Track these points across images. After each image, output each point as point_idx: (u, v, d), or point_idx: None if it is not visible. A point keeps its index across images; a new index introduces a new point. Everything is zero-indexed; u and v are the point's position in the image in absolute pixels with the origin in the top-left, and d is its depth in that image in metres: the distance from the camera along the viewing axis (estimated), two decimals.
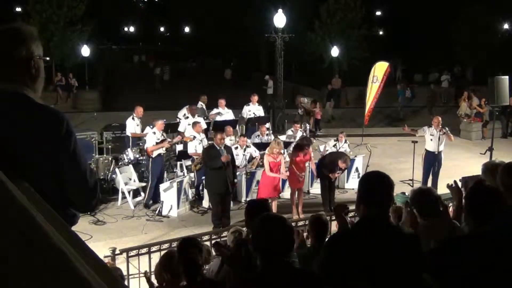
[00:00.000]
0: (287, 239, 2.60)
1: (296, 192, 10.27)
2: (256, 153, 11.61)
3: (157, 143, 10.50)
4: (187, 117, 12.74)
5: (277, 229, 2.58)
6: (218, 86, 25.79)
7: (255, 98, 14.89)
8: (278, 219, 2.71)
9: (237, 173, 11.04)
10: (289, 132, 13.87)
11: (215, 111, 14.17)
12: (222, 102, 14.27)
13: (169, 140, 10.72)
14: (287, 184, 11.06)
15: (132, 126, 12.21)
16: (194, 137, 11.13)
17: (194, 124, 11.65)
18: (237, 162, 11.22)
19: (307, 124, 16.67)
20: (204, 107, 14.49)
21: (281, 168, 9.89)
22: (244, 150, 11.39)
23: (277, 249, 2.53)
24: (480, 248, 2.69)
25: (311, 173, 11.62)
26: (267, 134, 12.75)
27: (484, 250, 2.68)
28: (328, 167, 10.34)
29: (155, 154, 10.58)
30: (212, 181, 9.43)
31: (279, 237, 2.55)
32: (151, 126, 11.07)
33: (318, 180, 11.12)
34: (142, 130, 12.02)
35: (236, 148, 11.29)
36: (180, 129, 12.68)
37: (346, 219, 3.65)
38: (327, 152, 11.42)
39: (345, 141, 12.24)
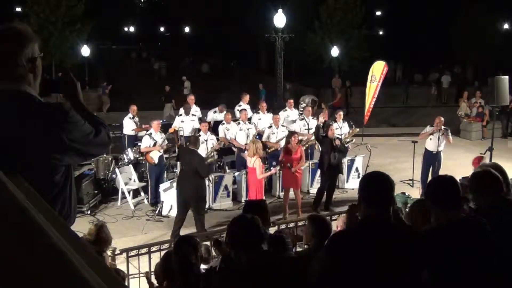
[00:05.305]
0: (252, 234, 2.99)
1: (292, 192, 10.20)
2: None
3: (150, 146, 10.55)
4: (180, 115, 12.72)
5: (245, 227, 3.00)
6: (195, 80, 26.44)
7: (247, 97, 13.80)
8: (245, 218, 3.13)
9: (237, 173, 11.03)
10: (283, 112, 13.11)
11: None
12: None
13: (160, 144, 10.65)
14: None
15: (130, 124, 12.40)
16: (199, 135, 11.09)
17: (201, 123, 11.71)
18: (239, 139, 11.40)
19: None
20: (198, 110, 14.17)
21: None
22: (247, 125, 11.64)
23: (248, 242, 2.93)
24: (459, 231, 2.82)
25: (311, 173, 11.60)
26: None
27: (463, 232, 2.82)
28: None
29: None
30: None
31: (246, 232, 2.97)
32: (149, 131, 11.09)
33: (319, 180, 11.06)
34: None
35: (239, 123, 11.55)
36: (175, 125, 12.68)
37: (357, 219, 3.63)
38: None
39: (343, 121, 12.27)
